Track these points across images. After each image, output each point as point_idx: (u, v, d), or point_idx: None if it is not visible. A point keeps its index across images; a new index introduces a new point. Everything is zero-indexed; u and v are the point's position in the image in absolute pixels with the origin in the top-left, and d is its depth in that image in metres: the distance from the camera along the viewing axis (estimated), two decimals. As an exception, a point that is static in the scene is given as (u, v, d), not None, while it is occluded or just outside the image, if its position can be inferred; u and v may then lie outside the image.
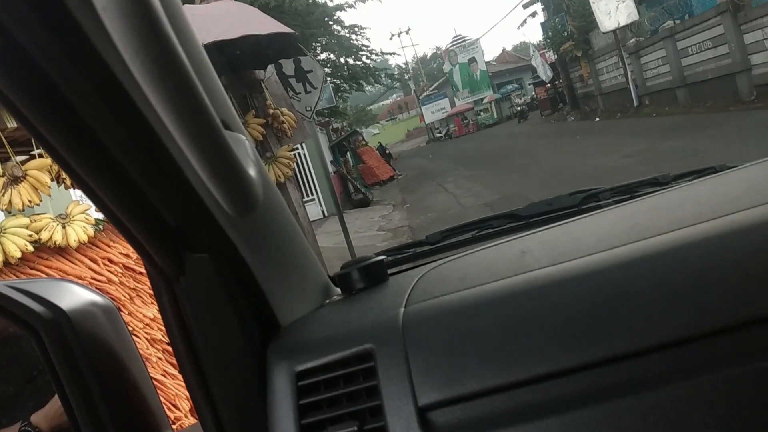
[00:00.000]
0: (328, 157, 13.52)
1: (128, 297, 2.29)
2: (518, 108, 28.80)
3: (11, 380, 0.80)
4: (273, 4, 11.84)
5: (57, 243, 2.14)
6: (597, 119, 16.04)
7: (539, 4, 21.55)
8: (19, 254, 2.01)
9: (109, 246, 2.39)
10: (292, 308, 0.61)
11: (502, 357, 0.46)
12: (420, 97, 39.22)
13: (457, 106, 35.90)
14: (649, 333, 0.42)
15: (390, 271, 0.70)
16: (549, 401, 0.43)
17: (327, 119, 16.53)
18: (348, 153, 17.38)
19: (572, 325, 0.45)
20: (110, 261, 2.34)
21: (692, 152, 7.06)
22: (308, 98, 4.90)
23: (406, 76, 40.55)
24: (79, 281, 2.05)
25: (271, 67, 4.19)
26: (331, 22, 14.92)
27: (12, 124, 2.12)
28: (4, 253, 1.99)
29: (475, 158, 16.43)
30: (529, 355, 0.45)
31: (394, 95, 52.46)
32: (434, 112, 36.94)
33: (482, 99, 35.17)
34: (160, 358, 2.25)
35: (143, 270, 1.79)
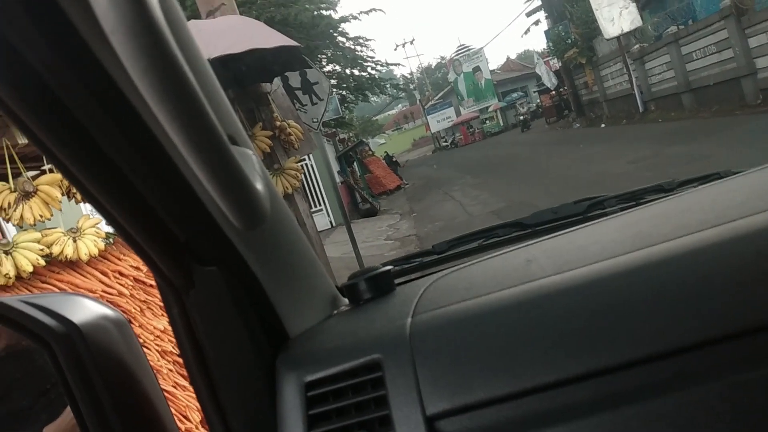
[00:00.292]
0: (335, 167, 13.55)
1: (139, 309, 2.30)
2: (521, 117, 28.43)
3: (25, 393, 0.81)
4: (278, 18, 11.93)
5: (68, 257, 2.16)
6: (603, 126, 15.97)
7: (542, 12, 21.60)
8: (30, 268, 2.03)
9: (119, 259, 2.41)
10: (300, 319, 0.61)
11: (509, 365, 0.46)
12: (425, 107, 39.28)
13: (463, 114, 35.95)
14: (655, 340, 0.42)
15: (397, 281, 0.70)
16: (556, 409, 0.44)
17: (333, 130, 16.59)
18: (355, 163, 17.43)
19: (578, 333, 0.45)
20: (121, 274, 2.36)
21: (698, 157, 7.03)
22: (315, 110, 4.93)
23: (412, 86, 40.63)
24: (91, 294, 2.06)
25: (277, 80, 4.22)
26: (336, 34, 14.98)
27: (23, 140, 2.16)
28: (17, 267, 2.01)
29: (482, 166, 16.41)
30: (536, 363, 0.45)
31: (400, 105, 52.61)
32: (440, 121, 36.98)
33: (487, 107, 35.21)
34: (170, 370, 2.25)
35: (153, 282, 1.80)
